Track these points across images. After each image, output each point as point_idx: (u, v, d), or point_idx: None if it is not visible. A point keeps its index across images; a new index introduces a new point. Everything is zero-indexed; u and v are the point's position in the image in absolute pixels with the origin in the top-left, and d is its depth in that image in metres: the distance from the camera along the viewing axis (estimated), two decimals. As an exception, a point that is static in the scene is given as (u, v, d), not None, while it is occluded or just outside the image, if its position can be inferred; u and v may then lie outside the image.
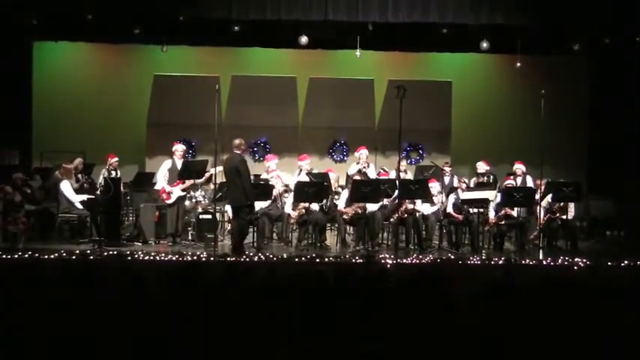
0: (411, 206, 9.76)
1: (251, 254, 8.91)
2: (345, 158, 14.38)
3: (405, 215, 9.74)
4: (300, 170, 10.83)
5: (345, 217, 9.80)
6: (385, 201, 9.88)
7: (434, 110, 13.73)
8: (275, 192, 10.17)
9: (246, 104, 13.62)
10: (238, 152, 9.12)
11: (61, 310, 4.02)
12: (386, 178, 10.60)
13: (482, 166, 11.42)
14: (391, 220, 9.88)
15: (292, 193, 9.92)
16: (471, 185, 10.72)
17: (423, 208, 10.05)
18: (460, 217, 9.93)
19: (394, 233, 9.73)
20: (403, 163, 10.97)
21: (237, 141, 9.13)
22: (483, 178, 10.97)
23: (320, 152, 14.35)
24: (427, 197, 9.80)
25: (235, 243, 9.00)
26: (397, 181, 9.60)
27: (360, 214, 9.61)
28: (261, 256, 8.76)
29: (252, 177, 10.32)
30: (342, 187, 10.93)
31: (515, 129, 14.02)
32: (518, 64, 13.05)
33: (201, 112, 12.38)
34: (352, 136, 14.03)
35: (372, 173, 10.54)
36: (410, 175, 11.50)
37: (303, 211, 9.74)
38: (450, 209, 10.07)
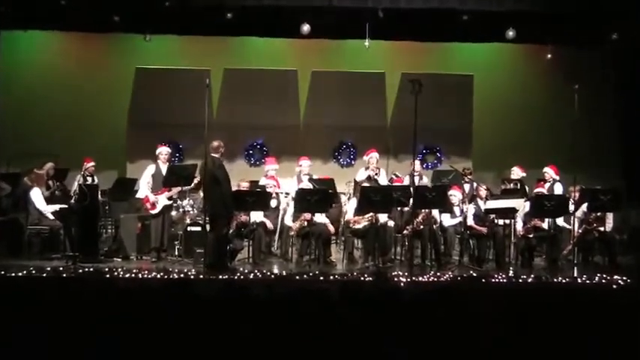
0: (428, 216, 9.79)
1: (245, 271, 8.88)
2: (353, 162, 14.39)
3: (421, 227, 9.76)
4: (299, 174, 10.90)
5: (352, 228, 9.84)
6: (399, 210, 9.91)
7: (453, 108, 13.74)
8: (273, 201, 10.19)
9: (240, 101, 13.64)
10: (216, 156, 9.14)
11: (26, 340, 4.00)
12: (399, 185, 10.65)
13: (517, 172, 11.42)
14: (405, 232, 9.90)
15: (292, 202, 9.97)
16: (497, 192, 10.75)
17: (442, 219, 10.10)
18: (483, 229, 9.91)
19: (408, 247, 9.73)
20: (418, 167, 11.00)
21: (215, 143, 9.14)
22: (509, 185, 10.99)
23: (324, 155, 14.40)
24: (446, 207, 9.83)
25: (212, 259, 8.93)
26: (412, 189, 9.61)
27: (369, 225, 9.64)
28: (257, 273, 8.75)
29: (245, 183, 10.48)
30: (350, 196, 10.99)
31: (545, 129, 14.03)
32: (549, 56, 13.07)
33: (189, 110, 12.17)
34: (361, 137, 14.05)
35: (383, 179, 10.57)
36: (426, 182, 11.50)
37: (305, 222, 9.76)
38: (470, 221, 10.09)
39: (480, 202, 10.22)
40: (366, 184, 10.04)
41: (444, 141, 14.43)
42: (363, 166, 10.77)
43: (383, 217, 9.81)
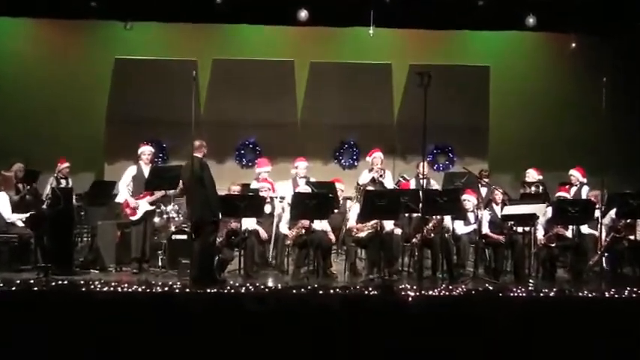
0: (439, 223, 9.76)
1: (236, 284, 8.85)
2: (356, 163, 14.43)
3: (432, 235, 9.73)
4: (296, 176, 10.86)
5: (355, 236, 9.81)
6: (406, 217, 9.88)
7: (467, 103, 13.76)
8: (267, 207, 10.19)
9: (230, 96, 13.66)
10: (199, 155, 9.12)
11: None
12: (407, 188, 10.60)
13: (532, 175, 11.44)
14: (414, 241, 9.87)
15: (288, 208, 9.94)
16: (515, 197, 10.76)
17: (455, 226, 10.10)
18: (500, 237, 9.93)
19: (417, 258, 9.70)
20: (428, 169, 10.95)
21: (197, 142, 9.10)
22: (530, 189, 10.96)
23: (324, 156, 14.44)
24: (459, 213, 9.81)
25: (199, 271, 8.87)
26: (421, 193, 9.56)
27: (374, 233, 9.62)
28: (250, 286, 8.70)
29: (236, 187, 10.44)
30: (352, 200, 10.97)
31: (569, 126, 14.06)
32: (573, 45, 13.09)
33: (174, 105, 12.39)
34: (364, 136, 14.08)
35: (389, 182, 10.54)
36: (437, 186, 11.44)
37: (303, 230, 9.73)
38: (486, 228, 10.10)
39: (497, 208, 10.22)
40: (370, 188, 10.00)
41: (457, 140, 14.44)
42: (367, 168, 10.77)
43: (389, 225, 9.76)
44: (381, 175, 10.40)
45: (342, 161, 14.61)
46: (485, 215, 10.17)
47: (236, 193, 10.25)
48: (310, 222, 9.73)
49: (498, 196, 10.32)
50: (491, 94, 14.04)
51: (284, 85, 13.88)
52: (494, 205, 10.29)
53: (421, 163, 10.40)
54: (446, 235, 9.87)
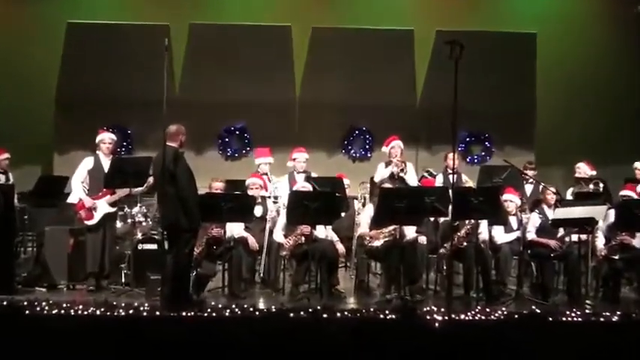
0: (474, 229, 9.74)
1: (219, 305, 8.75)
2: (369, 154, 14.51)
3: (464, 245, 9.73)
4: (293, 171, 10.92)
5: (368, 246, 9.81)
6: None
7: (509, 79, 13.81)
8: (258, 209, 10.21)
9: (212, 69, 13.72)
10: (174, 145, 9.05)
11: None
12: (433, 186, 10.64)
13: (583, 170, 11.47)
14: (442, 251, 9.92)
15: (284, 210, 9.91)
16: (568, 197, 10.75)
17: (494, 233, 10.13)
18: (551, 242, 9.92)
19: (446, 273, 9.70)
20: (459, 161, 11.04)
21: (172, 128, 9.05)
22: (588, 187, 11.00)
23: (329, 145, 14.57)
24: (499, 217, 9.76)
25: (172, 290, 8.86)
26: (450, 191, 9.50)
27: (392, 242, 9.63)
28: (236, 309, 8.66)
29: (218, 183, 10.44)
30: (365, 201, 11.06)
31: (634, 109, 14.01)
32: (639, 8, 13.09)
33: (141, 81, 12.43)
34: (379, 120, 14.14)
35: (411, 178, 10.61)
36: (471, 183, 11.49)
37: (302, 238, 9.74)
38: (533, 236, 10.07)
39: (549, 211, 10.21)
40: (387, 185, 10.02)
41: (496, 125, 14.51)
42: (383, 161, 10.82)
43: (411, 232, 9.80)
44: (402, 170, 10.45)
45: (352, 152, 14.71)
46: (534, 219, 10.15)
47: (219, 191, 10.22)
48: (312, 228, 9.71)
49: (550, 195, 10.28)
50: (539, 68, 14.03)
51: (279, 56, 13.91)
52: (544, 206, 10.25)
53: (450, 155, 10.41)
54: (482, 244, 9.87)
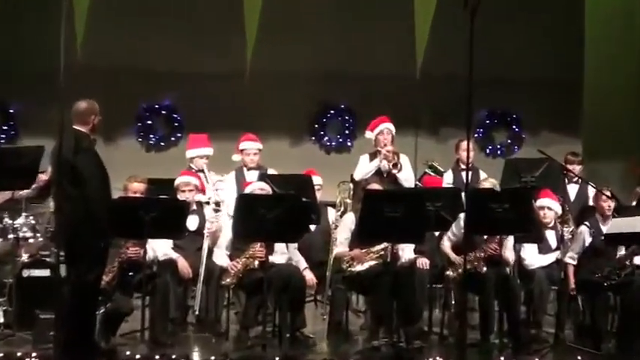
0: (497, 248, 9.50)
1: (137, 356, 8.78)
2: (349, 143, 14.53)
3: (483, 270, 9.53)
4: (242, 166, 10.87)
5: (348, 272, 9.63)
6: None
7: (544, 39, 13.73)
8: (193, 220, 9.85)
9: (129, 25, 13.68)
10: (83, 130, 8.74)
11: None
12: (439, 187, 10.63)
13: None
14: (450, 275, 9.76)
15: (230, 222, 9.79)
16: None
17: (524, 254, 10.01)
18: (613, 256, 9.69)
19: (457, 310, 9.73)
20: (476, 152, 11.03)
21: (82, 105, 8.80)
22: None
23: (292, 130, 14.55)
24: (532, 231, 9.49)
25: (68, 333, 8.52)
26: (463, 194, 9.55)
27: (381, 266, 9.52)
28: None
29: (138, 184, 10.18)
30: (341, 207, 10.82)
31: None
32: None
33: (28, 40, 12.40)
34: (364, 95, 13.99)
35: (407, 176, 10.49)
36: (494, 182, 10.97)
37: (255, 262, 9.60)
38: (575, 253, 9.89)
39: (601, 222, 10.02)
40: (373, 186, 9.89)
41: (527, 102, 14.51)
42: (368, 152, 10.96)
43: (408, 252, 9.73)
44: (394, 165, 10.46)
45: (325, 139, 14.72)
46: (582, 235, 9.81)
47: (137, 195, 10.08)
48: (268, 248, 9.50)
49: (606, 202, 9.95)
50: (588, 22, 13.83)
51: (223, 7, 13.77)
52: (598, 215, 10.01)
53: (464, 144, 10.24)
54: (507, 269, 9.78)
